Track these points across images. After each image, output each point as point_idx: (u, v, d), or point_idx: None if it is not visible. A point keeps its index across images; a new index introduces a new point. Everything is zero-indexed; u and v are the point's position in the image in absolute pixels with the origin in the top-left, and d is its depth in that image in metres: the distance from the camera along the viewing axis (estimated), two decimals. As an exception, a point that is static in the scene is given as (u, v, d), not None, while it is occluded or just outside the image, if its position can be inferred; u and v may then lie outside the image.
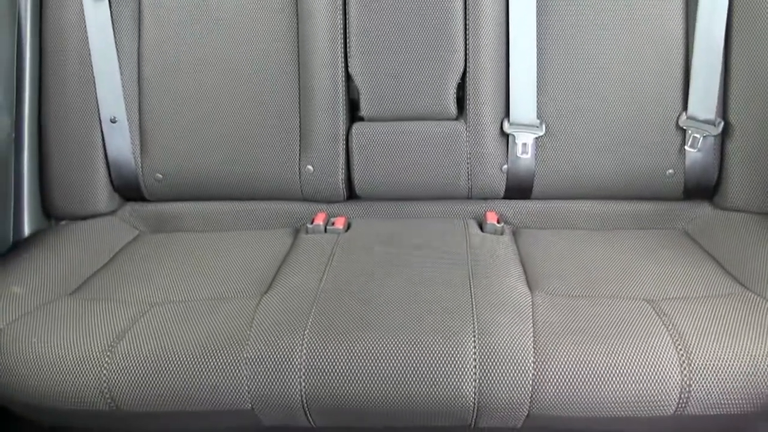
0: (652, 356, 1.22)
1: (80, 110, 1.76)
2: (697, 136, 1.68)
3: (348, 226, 1.75)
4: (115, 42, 1.75)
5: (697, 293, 1.42)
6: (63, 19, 1.74)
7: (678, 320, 1.30)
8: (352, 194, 1.83)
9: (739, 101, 1.67)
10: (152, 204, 1.87)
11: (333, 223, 1.73)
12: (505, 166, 1.74)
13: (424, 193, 1.80)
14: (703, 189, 1.74)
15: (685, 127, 1.69)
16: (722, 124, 1.68)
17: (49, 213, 1.82)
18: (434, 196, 1.81)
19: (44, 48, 1.75)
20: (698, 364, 1.21)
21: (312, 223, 1.74)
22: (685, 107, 1.69)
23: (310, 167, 1.77)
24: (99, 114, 1.77)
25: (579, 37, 1.70)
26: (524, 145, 1.72)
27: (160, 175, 1.81)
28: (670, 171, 1.72)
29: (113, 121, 1.77)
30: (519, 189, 1.77)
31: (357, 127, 1.76)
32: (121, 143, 1.79)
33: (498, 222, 1.73)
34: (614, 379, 1.21)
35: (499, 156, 1.74)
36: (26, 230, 1.75)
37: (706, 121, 1.68)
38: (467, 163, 1.74)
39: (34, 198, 1.78)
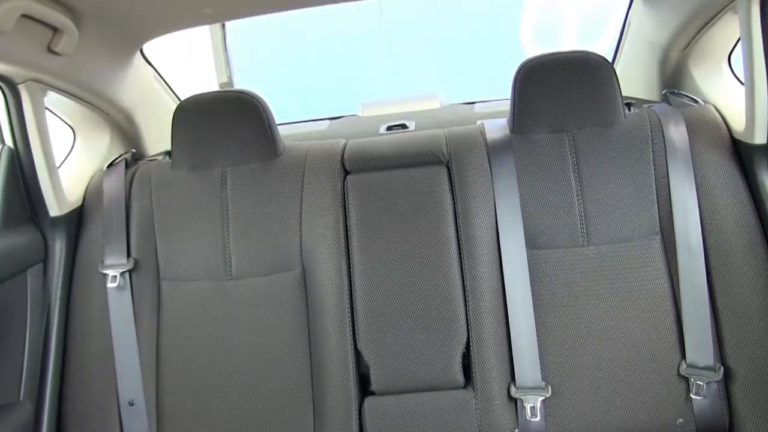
0: None
1: (100, 394, 1.82)
2: (701, 383, 1.71)
3: None
4: (136, 328, 1.84)
5: None
6: (88, 307, 1.86)
7: None
8: None
9: (732, 344, 1.72)
10: None
11: None
12: (516, 431, 1.76)
13: None
14: None
15: (687, 375, 1.72)
16: (722, 368, 1.71)
17: None
18: None
19: (69, 334, 1.85)
20: None
21: None
22: (683, 356, 1.73)
23: None
24: (117, 397, 1.81)
25: (572, 302, 1.79)
26: (533, 408, 1.74)
27: None
28: (680, 420, 1.73)
29: (131, 404, 1.81)
30: None
31: (369, 401, 1.80)
32: (138, 427, 1.81)
33: None
34: None
35: (509, 421, 1.76)
36: None
37: (707, 368, 1.71)
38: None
39: None
